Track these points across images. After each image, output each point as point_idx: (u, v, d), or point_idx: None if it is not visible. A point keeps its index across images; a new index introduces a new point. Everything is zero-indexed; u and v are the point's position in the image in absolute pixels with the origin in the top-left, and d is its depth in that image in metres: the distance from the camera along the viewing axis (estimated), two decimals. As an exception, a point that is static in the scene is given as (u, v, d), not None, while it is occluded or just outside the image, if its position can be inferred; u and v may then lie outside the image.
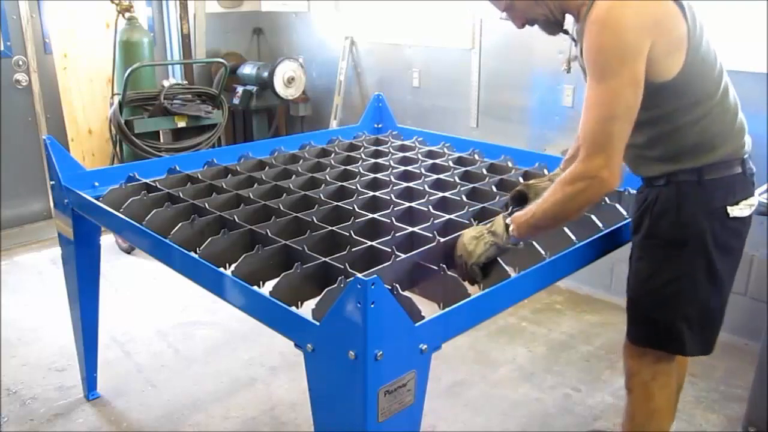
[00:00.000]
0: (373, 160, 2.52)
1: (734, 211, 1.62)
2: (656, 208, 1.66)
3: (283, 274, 1.53)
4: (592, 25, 1.49)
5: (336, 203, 2.00)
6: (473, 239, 1.64)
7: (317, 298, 1.43)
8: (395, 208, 1.95)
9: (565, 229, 1.78)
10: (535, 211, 1.57)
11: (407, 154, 2.62)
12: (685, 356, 1.79)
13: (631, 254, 1.79)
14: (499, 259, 1.63)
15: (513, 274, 1.62)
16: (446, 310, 1.40)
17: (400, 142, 2.83)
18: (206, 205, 1.99)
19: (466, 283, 1.53)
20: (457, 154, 2.61)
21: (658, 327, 1.73)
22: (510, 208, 1.85)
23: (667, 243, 1.66)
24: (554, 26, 1.71)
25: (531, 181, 1.98)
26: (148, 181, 2.23)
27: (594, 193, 1.51)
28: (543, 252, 1.68)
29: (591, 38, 1.50)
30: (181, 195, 2.09)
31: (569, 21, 1.70)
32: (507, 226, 1.60)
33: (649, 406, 1.80)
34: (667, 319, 1.70)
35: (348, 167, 2.41)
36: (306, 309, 1.46)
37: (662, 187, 1.66)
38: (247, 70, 4.73)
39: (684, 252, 1.64)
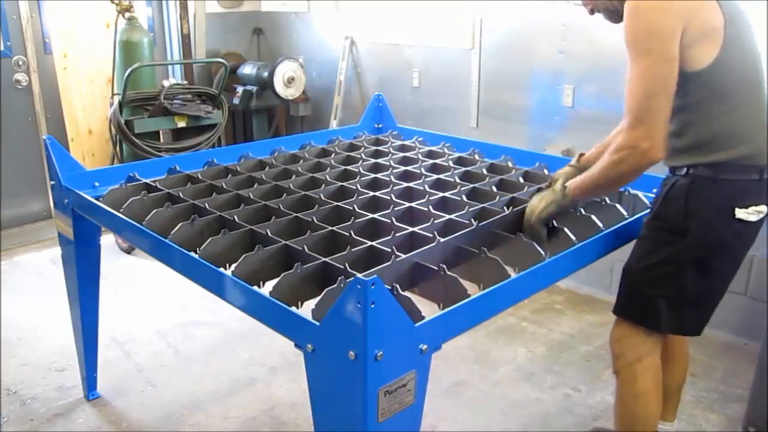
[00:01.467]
0: (373, 160, 2.52)
1: (741, 214, 1.68)
2: (669, 194, 1.75)
3: (283, 274, 1.53)
4: (628, 7, 1.61)
5: (336, 203, 2.00)
6: (537, 198, 1.85)
7: (317, 298, 1.43)
8: (395, 208, 1.95)
9: (565, 229, 1.80)
10: (585, 176, 1.76)
11: (407, 154, 2.62)
12: (660, 333, 1.85)
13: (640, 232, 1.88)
14: (566, 230, 1.79)
15: (513, 274, 1.62)
16: (446, 310, 1.40)
17: (400, 142, 2.83)
18: (206, 205, 1.99)
19: (466, 283, 1.53)
20: (457, 154, 2.61)
21: (640, 302, 1.82)
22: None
23: (670, 228, 1.74)
24: (614, 15, 1.80)
25: (555, 174, 2.03)
26: (148, 181, 2.23)
27: (635, 161, 1.61)
28: (543, 252, 1.68)
29: (628, 19, 1.61)
30: (181, 195, 2.09)
31: None
32: (564, 187, 1.80)
33: (635, 387, 1.86)
34: (650, 296, 1.78)
35: (348, 167, 2.41)
36: (306, 309, 1.46)
37: (681, 177, 1.73)
38: (247, 70, 4.73)
39: (684, 240, 1.71)
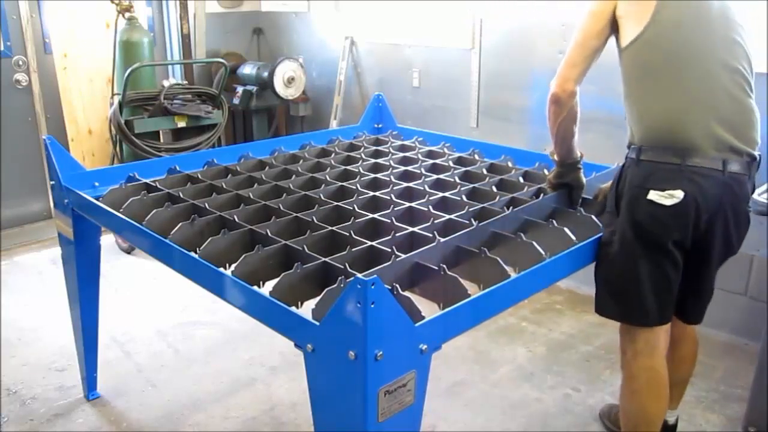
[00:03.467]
0: (373, 160, 2.52)
1: (653, 195, 1.72)
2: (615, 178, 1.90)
3: (283, 274, 1.53)
4: None
5: (336, 203, 2.00)
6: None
7: (317, 298, 1.43)
8: (395, 208, 1.95)
9: (565, 229, 1.81)
10: None
11: (407, 154, 2.62)
12: (600, 315, 1.92)
13: None
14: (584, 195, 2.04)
15: (513, 274, 1.62)
16: (446, 310, 1.40)
17: (400, 142, 2.83)
18: (206, 205, 1.99)
19: (466, 283, 1.53)
20: (457, 154, 2.61)
21: (596, 288, 1.92)
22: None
23: (609, 210, 1.88)
24: None
25: (603, 186, 2.10)
26: (148, 181, 2.23)
27: (550, 102, 1.82)
28: (543, 252, 1.69)
29: None
30: (181, 195, 2.09)
31: None
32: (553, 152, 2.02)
33: (632, 385, 1.92)
34: (597, 280, 1.90)
35: (348, 167, 2.41)
36: (306, 309, 1.46)
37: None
38: (247, 70, 4.73)
39: (616, 221, 1.82)
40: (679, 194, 1.69)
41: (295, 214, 1.90)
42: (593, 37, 1.77)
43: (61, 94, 4.51)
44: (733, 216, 1.77)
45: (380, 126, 3.11)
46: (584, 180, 2.04)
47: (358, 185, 2.18)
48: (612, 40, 1.81)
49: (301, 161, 2.52)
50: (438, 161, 2.50)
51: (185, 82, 4.58)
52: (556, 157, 2.01)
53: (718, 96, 1.71)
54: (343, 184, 2.19)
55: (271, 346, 2.92)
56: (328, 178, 2.26)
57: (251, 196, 2.06)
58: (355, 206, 1.97)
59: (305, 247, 1.66)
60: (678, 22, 1.71)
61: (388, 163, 2.48)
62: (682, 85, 1.71)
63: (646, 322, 1.84)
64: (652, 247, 1.77)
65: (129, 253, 4.01)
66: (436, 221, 1.83)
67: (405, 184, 2.19)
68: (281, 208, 1.96)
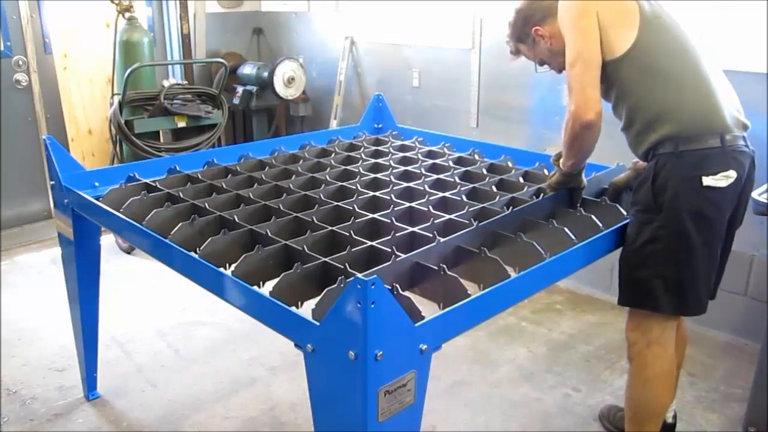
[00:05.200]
0: (373, 160, 2.52)
1: (708, 181, 1.74)
2: (639, 177, 1.87)
3: (283, 274, 1.53)
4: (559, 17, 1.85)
5: (336, 203, 2.00)
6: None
7: (317, 298, 1.43)
8: (395, 208, 1.95)
9: (565, 229, 1.81)
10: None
11: (407, 154, 2.62)
12: (660, 313, 1.90)
13: None
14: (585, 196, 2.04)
15: (513, 274, 1.62)
16: (446, 310, 1.40)
17: (400, 142, 2.83)
18: (206, 205, 1.99)
19: (466, 283, 1.53)
20: (457, 154, 2.61)
21: (637, 286, 1.87)
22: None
23: (645, 208, 1.82)
24: (559, 55, 1.93)
25: (614, 180, 2.15)
26: (148, 181, 2.23)
27: (571, 125, 1.78)
28: (543, 252, 1.69)
29: (560, 23, 1.84)
30: (181, 195, 2.09)
31: None
32: (558, 158, 2.00)
33: (645, 374, 1.93)
34: (645, 278, 1.84)
35: (348, 167, 2.41)
36: (306, 309, 1.46)
37: (648, 161, 1.84)
38: (247, 70, 4.73)
39: (660, 216, 1.79)
40: (732, 174, 1.75)
41: (295, 214, 1.90)
42: (595, 52, 1.76)
43: (61, 94, 4.51)
44: (749, 187, 1.88)
45: (380, 126, 3.11)
46: (585, 181, 2.05)
47: (358, 185, 2.18)
48: None
49: (301, 161, 2.52)
50: (438, 161, 2.50)
51: (185, 82, 4.58)
52: (564, 168, 1.98)
53: (720, 79, 1.82)
54: (343, 184, 2.19)
55: (271, 346, 2.92)
56: (328, 178, 2.26)
57: (251, 196, 2.06)
58: (355, 206, 1.97)
59: (305, 247, 1.66)
60: (659, 15, 1.78)
61: (388, 163, 2.48)
62: (698, 74, 1.78)
63: (698, 311, 1.87)
64: (709, 233, 1.80)
65: (129, 253, 4.01)
66: (436, 221, 1.83)
67: (405, 184, 2.19)
68: (281, 208, 1.96)
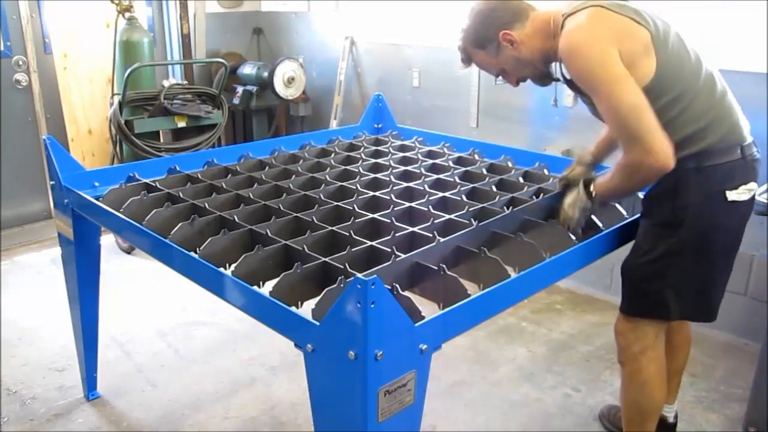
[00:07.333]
0: (373, 160, 2.52)
1: (732, 195, 1.72)
2: (654, 192, 1.79)
3: (283, 274, 1.53)
4: (564, 58, 1.71)
5: (336, 203, 2.00)
6: (571, 207, 1.86)
7: (317, 298, 1.43)
8: (395, 208, 1.94)
9: (593, 216, 1.86)
10: (607, 185, 1.78)
11: (407, 154, 2.62)
12: (671, 320, 1.90)
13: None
14: (593, 216, 1.89)
15: (513, 274, 1.62)
16: (446, 310, 1.40)
17: (400, 142, 2.83)
18: (206, 205, 1.98)
19: (466, 283, 1.53)
20: (457, 154, 2.61)
21: (647, 297, 1.85)
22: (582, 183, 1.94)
23: (663, 223, 1.78)
24: (545, 78, 1.92)
25: (565, 173, 2.06)
26: (148, 181, 2.23)
27: (644, 175, 1.65)
28: (543, 252, 1.68)
29: (570, 68, 1.71)
30: (181, 195, 2.08)
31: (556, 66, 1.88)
32: (591, 193, 1.82)
33: (640, 378, 1.92)
34: (656, 289, 1.82)
35: (348, 167, 2.41)
36: (306, 309, 1.46)
37: (666, 175, 1.72)
38: (247, 70, 4.73)
39: (679, 232, 1.75)
40: (753, 186, 1.76)
41: (295, 214, 1.90)
42: (641, 96, 1.61)
43: (61, 94, 4.51)
44: None
45: (380, 126, 3.11)
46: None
47: (358, 185, 2.18)
48: None
49: (301, 161, 2.52)
50: (438, 161, 2.50)
51: (185, 82, 4.58)
52: (600, 197, 1.83)
53: (728, 91, 1.80)
54: (343, 184, 2.19)
55: (271, 346, 2.93)
56: (328, 178, 2.25)
57: (251, 196, 2.06)
58: (355, 206, 1.97)
59: (305, 247, 1.66)
60: (667, 33, 1.71)
61: (388, 163, 2.48)
62: (714, 91, 1.74)
63: (710, 317, 1.87)
64: (731, 245, 1.80)
65: (129, 253, 4.01)
66: (436, 221, 1.82)
67: (405, 184, 2.19)
68: (281, 208, 1.96)
